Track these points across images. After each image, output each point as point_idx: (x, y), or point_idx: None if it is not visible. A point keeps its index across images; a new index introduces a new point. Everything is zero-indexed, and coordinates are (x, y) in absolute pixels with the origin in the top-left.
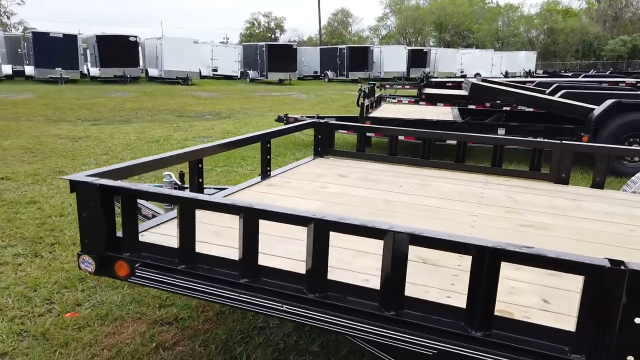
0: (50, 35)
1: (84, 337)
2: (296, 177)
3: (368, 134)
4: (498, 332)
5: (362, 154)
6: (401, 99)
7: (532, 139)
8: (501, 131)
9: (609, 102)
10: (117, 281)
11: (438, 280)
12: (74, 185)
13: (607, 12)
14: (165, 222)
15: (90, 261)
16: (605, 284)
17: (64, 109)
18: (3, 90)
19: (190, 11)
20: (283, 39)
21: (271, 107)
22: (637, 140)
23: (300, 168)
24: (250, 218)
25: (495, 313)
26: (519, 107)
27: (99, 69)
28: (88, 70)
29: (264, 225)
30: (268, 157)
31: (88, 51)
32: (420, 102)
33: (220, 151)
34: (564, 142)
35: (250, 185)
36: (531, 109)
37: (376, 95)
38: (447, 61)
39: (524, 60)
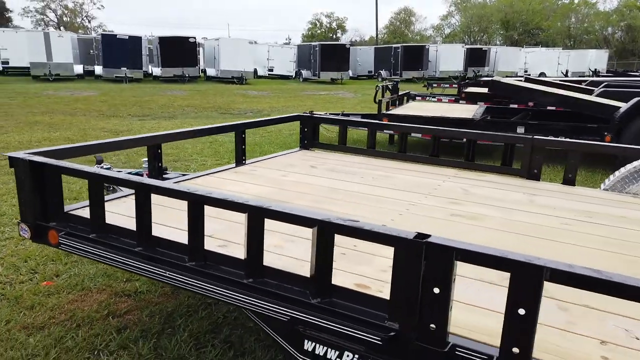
0: (117, 37)
1: (49, 302)
2: (267, 166)
3: (386, 131)
4: (336, 300)
5: (344, 147)
6: (441, 97)
7: (502, 133)
8: (520, 129)
9: (634, 99)
10: None
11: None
12: (12, 161)
13: None
14: (111, 200)
15: (26, 229)
16: (409, 255)
17: (118, 105)
18: (70, 88)
19: (256, 13)
20: (344, 39)
21: (313, 105)
22: None
23: (278, 158)
24: (142, 192)
25: (351, 287)
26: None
27: (161, 69)
28: (152, 70)
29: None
30: (243, 146)
31: (153, 52)
32: (461, 101)
33: (180, 138)
34: (535, 137)
35: (216, 172)
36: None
37: (401, 93)
38: (508, 60)
39: (593, 59)
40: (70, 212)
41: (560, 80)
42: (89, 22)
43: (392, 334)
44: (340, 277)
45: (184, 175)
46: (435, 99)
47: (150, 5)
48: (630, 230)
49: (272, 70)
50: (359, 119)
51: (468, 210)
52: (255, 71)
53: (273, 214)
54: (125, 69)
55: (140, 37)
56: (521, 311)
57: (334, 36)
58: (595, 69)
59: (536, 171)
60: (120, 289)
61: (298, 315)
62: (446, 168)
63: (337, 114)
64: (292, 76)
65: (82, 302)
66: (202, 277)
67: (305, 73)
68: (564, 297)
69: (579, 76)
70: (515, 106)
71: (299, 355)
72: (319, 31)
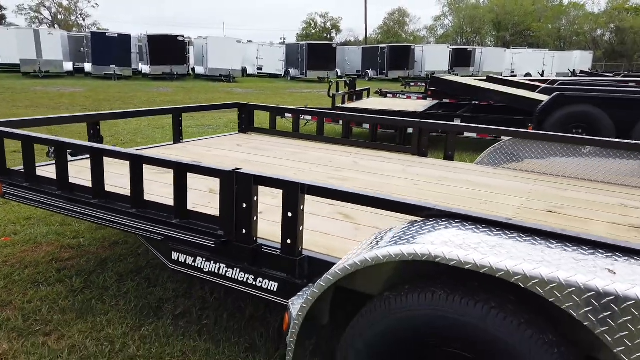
0: (107, 35)
1: (4, 252)
2: (199, 144)
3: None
4: (192, 220)
5: (275, 131)
6: (410, 95)
7: (397, 116)
8: (457, 121)
9: (553, 94)
10: (51, 219)
11: (203, 200)
12: None
13: None
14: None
15: None
16: (227, 182)
17: (102, 101)
18: (58, 84)
19: (253, 13)
20: (338, 39)
21: (292, 102)
22: (580, 131)
23: (214, 139)
24: (59, 150)
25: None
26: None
27: (149, 67)
28: (141, 67)
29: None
30: (180, 128)
31: (143, 50)
32: (428, 98)
33: (118, 118)
34: (422, 121)
35: (151, 147)
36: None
37: (361, 88)
38: (493, 61)
39: (578, 61)
40: (11, 168)
41: (529, 80)
42: (84, 20)
43: (222, 240)
44: (213, 211)
45: None
46: (405, 97)
47: (146, 4)
48: (464, 189)
49: (261, 69)
50: (286, 107)
51: (344, 175)
52: (245, 70)
53: (147, 160)
54: (114, 66)
55: (130, 36)
56: (289, 214)
57: (329, 36)
58: (574, 70)
59: (424, 149)
60: (66, 243)
61: (167, 233)
62: (356, 147)
63: (302, 107)
64: (281, 75)
65: (32, 252)
66: (102, 211)
67: (293, 72)
68: (361, 222)
69: (564, 76)
70: (476, 102)
71: (169, 264)
72: (313, 31)
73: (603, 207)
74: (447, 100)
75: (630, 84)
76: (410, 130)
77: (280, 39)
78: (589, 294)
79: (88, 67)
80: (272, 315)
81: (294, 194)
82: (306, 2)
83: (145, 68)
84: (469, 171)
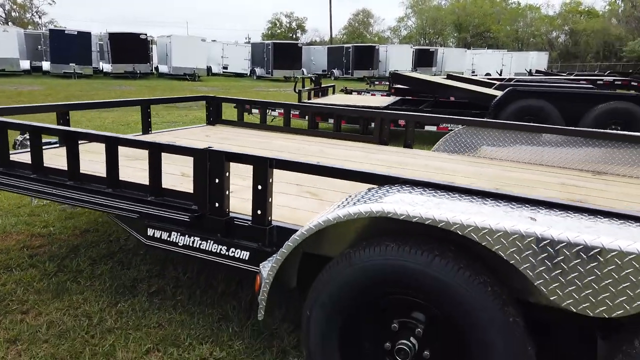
0: (66, 32)
1: None
2: (168, 135)
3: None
4: (166, 197)
5: (242, 123)
6: (375, 92)
7: (361, 108)
8: None
9: (506, 90)
10: (18, 210)
11: (176, 182)
12: None
13: (632, 13)
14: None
15: None
16: (201, 159)
17: (62, 99)
18: (15, 83)
19: (217, 13)
20: (304, 39)
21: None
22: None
23: (183, 130)
24: (34, 134)
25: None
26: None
27: (111, 65)
28: (102, 66)
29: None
30: (149, 119)
31: (104, 48)
32: (391, 95)
33: (87, 108)
34: (383, 111)
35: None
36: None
37: (326, 85)
38: (454, 61)
39: (535, 61)
40: None
41: (488, 79)
42: (40, 17)
43: (196, 214)
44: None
45: None
46: (370, 94)
47: (105, 2)
48: (420, 171)
49: (226, 68)
50: (253, 100)
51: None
52: (210, 69)
53: (122, 141)
54: (73, 64)
55: (90, 33)
56: (259, 187)
57: (294, 36)
58: (530, 70)
59: (385, 138)
60: (37, 232)
61: (143, 210)
62: (321, 137)
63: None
64: (246, 74)
65: (2, 240)
66: (78, 192)
67: (259, 71)
68: (327, 198)
69: (522, 76)
70: (440, 99)
71: (145, 241)
72: (278, 31)
73: (544, 185)
74: (410, 97)
75: (581, 82)
76: (372, 125)
77: (246, 38)
78: (513, 237)
79: (46, 65)
80: (243, 291)
81: (264, 168)
82: (271, 2)
83: (106, 66)
84: (425, 157)
